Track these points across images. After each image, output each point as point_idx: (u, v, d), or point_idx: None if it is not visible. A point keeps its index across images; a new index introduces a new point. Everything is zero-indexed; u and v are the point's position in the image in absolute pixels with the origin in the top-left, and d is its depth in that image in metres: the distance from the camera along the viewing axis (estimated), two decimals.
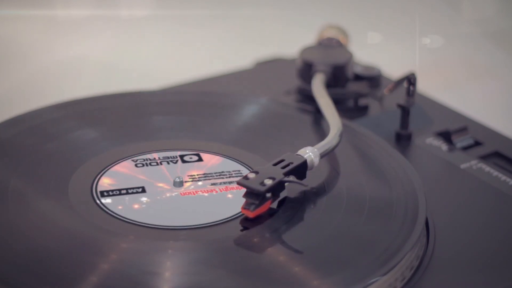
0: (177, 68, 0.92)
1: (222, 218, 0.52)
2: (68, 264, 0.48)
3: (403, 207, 0.53)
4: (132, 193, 0.54)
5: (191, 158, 0.58)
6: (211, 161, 0.58)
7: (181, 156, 0.58)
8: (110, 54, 0.99)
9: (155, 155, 0.58)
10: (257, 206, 0.51)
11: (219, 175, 0.57)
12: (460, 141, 0.65)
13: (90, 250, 0.49)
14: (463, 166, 0.62)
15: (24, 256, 0.48)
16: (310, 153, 0.55)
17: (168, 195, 0.54)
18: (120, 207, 0.53)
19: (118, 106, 0.65)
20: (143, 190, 0.55)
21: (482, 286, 0.50)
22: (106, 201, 0.53)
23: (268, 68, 0.78)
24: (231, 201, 0.54)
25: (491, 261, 0.52)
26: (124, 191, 0.54)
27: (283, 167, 0.53)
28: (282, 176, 0.52)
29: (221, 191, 0.55)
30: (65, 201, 0.53)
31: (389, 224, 0.52)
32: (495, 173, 0.61)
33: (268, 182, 0.51)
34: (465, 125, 0.66)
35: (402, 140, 0.65)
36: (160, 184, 0.55)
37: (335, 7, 1.09)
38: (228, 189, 0.55)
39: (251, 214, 0.51)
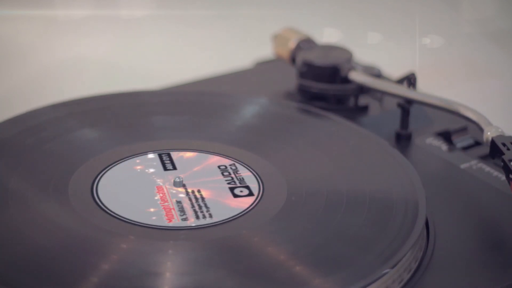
0: (177, 68, 0.92)
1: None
2: (68, 264, 0.48)
3: (403, 207, 0.53)
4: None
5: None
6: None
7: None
8: (110, 54, 0.99)
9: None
10: None
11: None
12: (460, 141, 0.65)
13: (90, 250, 0.49)
14: (463, 166, 0.62)
15: (24, 256, 0.48)
16: (500, 129, 0.56)
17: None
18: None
19: (118, 106, 0.64)
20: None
21: (482, 286, 0.50)
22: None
23: (268, 68, 0.78)
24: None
25: (491, 261, 0.52)
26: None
27: (504, 145, 0.55)
28: None
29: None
30: (65, 201, 0.53)
31: (389, 224, 0.52)
32: (495, 173, 0.61)
33: None
34: (465, 125, 0.66)
35: (402, 140, 0.65)
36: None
37: (335, 7, 1.09)
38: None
39: None
